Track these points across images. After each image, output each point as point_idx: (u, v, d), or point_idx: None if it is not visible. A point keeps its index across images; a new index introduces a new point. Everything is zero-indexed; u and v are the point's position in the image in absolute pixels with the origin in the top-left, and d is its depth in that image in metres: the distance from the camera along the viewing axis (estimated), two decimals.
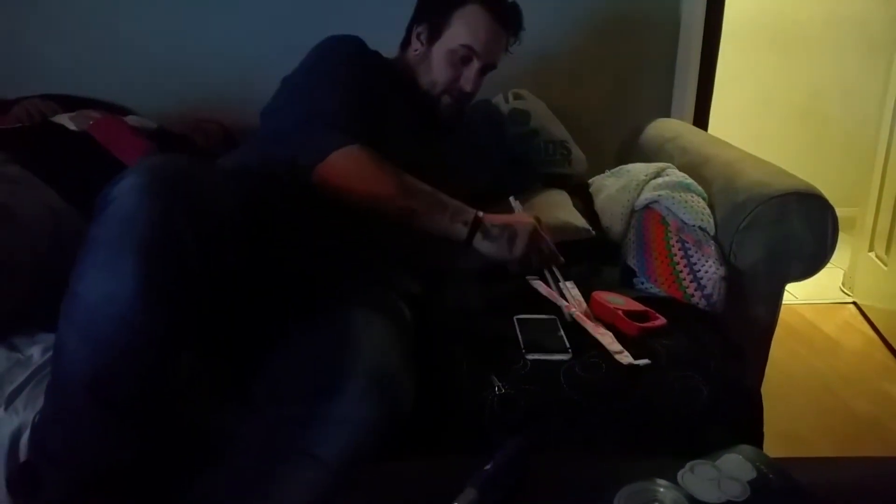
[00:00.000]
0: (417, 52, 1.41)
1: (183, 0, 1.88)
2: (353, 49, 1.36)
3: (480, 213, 1.21)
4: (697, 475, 0.73)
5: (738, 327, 1.34)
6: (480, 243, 1.20)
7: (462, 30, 1.36)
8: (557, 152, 1.86)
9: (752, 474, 0.74)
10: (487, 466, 0.74)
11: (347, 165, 1.18)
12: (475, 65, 1.38)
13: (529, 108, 1.88)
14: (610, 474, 0.72)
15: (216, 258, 0.92)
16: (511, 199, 1.40)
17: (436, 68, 1.38)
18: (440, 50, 1.38)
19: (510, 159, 1.77)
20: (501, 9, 1.39)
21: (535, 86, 1.96)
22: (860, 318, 2.51)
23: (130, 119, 1.63)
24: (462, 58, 1.37)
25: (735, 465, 0.75)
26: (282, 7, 1.91)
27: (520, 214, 1.32)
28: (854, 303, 2.61)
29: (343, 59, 1.33)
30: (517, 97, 1.91)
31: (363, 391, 0.91)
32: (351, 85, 1.29)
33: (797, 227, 1.31)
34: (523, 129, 1.85)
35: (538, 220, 1.28)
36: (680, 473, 0.73)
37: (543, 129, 1.86)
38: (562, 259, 1.31)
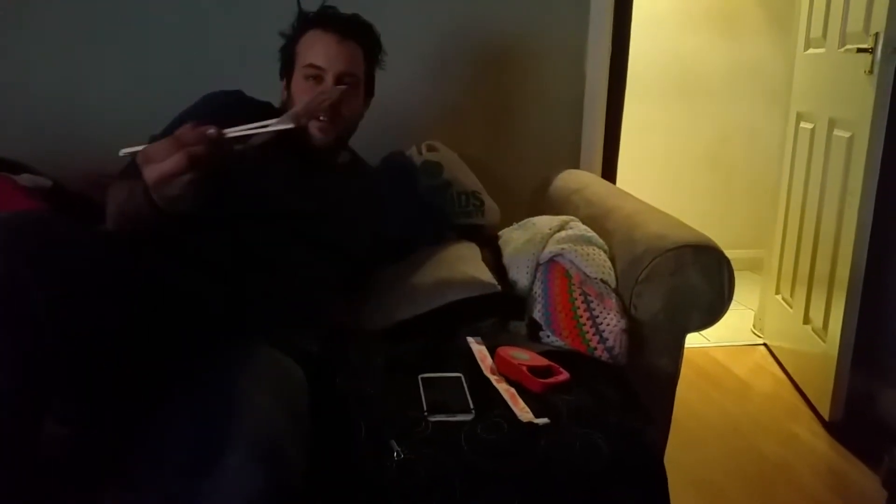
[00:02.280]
0: (285, 99, 1.44)
1: (83, 55, 1.84)
2: (228, 99, 1.35)
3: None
4: None
5: (642, 379, 1.35)
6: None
7: (304, 53, 1.39)
8: (470, 203, 1.89)
9: None
10: None
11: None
12: (328, 78, 1.38)
13: (442, 160, 1.91)
14: None
15: (76, 319, 0.87)
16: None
17: (296, 99, 1.39)
18: (295, 82, 1.41)
19: (423, 211, 1.78)
20: (336, 21, 1.41)
21: (448, 138, 1.99)
22: (770, 359, 2.58)
23: (23, 178, 1.56)
24: (313, 77, 1.38)
25: None
26: (183, 58, 1.89)
27: None
28: (765, 344, 2.67)
29: (210, 108, 1.31)
30: (430, 149, 1.93)
31: (246, 463, 0.86)
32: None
33: (693, 279, 1.34)
34: (436, 181, 1.87)
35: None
36: None
37: (456, 181, 1.89)
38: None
